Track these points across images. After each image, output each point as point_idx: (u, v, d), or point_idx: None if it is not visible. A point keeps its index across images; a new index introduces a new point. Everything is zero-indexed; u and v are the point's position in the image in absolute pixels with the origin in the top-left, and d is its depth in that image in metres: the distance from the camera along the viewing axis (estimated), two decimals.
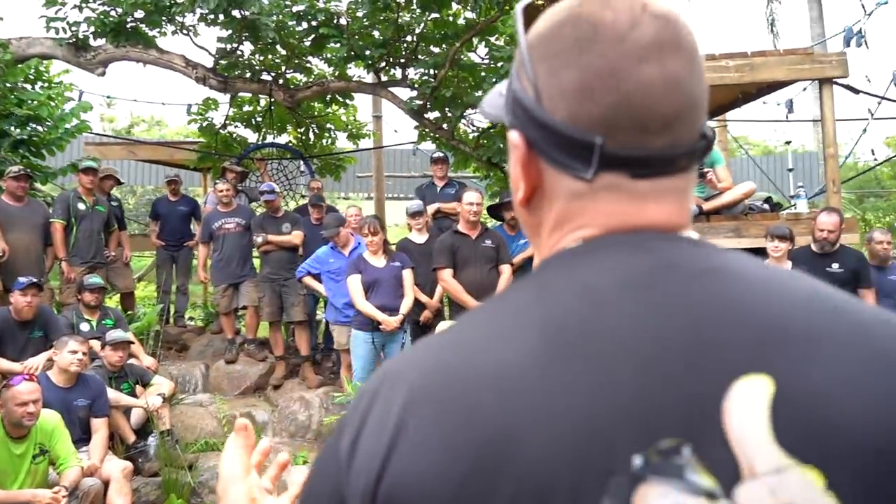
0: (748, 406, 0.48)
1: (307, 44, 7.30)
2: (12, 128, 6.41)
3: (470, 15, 7.04)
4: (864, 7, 6.93)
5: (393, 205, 12.35)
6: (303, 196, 8.41)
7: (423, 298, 5.56)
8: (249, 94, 8.03)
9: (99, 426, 4.36)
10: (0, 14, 8.32)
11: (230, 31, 7.01)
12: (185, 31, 7.19)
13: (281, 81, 7.54)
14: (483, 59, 7.13)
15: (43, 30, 6.77)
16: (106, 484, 4.05)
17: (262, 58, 7.59)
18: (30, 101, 6.54)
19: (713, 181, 5.50)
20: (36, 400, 3.74)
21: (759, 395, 0.49)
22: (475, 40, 6.93)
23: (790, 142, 13.58)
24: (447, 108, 6.97)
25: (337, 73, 7.62)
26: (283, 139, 8.70)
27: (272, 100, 7.65)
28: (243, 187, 7.46)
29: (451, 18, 7.00)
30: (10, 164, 6.04)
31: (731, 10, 60.07)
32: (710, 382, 0.49)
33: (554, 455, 0.48)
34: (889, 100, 6.88)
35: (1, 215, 5.63)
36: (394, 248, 5.60)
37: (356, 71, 7.90)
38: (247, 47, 7.38)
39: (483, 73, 6.81)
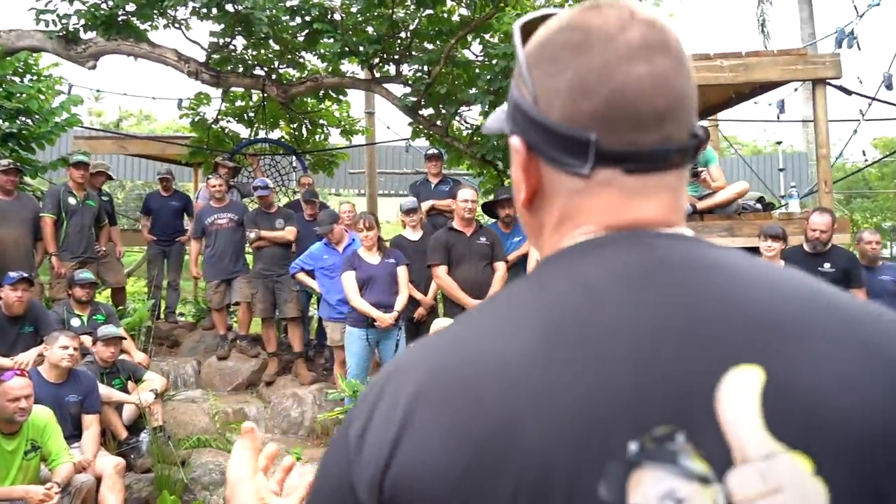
0: (740, 395, 0.50)
1: (301, 39, 7.26)
2: (1, 121, 6.33)
3: (464, 12, 7.03)
4: (856, 8, 6.99)
5: (385, 201, 12.33)
6: (294, 192, 8.37)
7: (418, 295, 5.55)
8: (242, 89, 7.97)
9: (91, 422, 4.32)
10: None
11: (223, 26, 6.96)
12: (177, 25, 7.13)
13: (274, 77, 7.50)
14: (477, 56, 7.12)
15: (33, 22, 6.69)
16: (98, 480, 4.02)
17: (255, 53, 7.54)
18: (19, 94, 6.46)
19: (707, 180, 5.53)
20: (28, 395, 3.70)
21: (751, 385, 0.51)
22: (469, 37, 6.92)
23: (781, 142, 13.68)
24: (441, 105, 6.96)
25: (330, 68, 7.58)
26: (275, 135, 8.66)
27: (265, 95, 7.60)
28: (235, 183, 7.42)
29: (445, 15, 6.98)
30: None
31: (721, 11, 60.41)
32: (703, 373, 0.51)
33: (553, 444, 0.50)
34: (881, 101, 6.94)
35: None
36: (388, 244, 5.59)
37: (349, 67, 7.87)
38: (240, 42, 7.33)
39: (477, 70, 6.80)
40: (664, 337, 0.53)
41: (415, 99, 6.90)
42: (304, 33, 7.10)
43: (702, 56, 5.59)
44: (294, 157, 8.45)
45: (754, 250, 4.78)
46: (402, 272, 5.28)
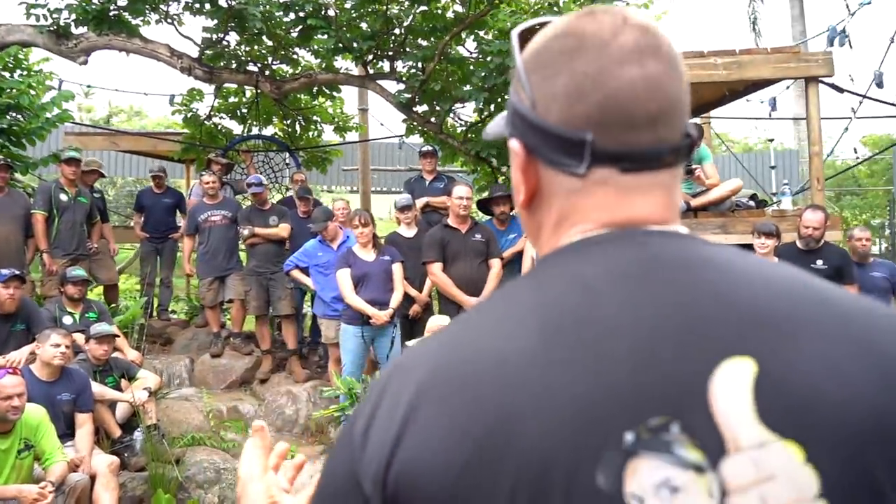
0: (733, 386, 0.52)
1: (294, 35, 7.22)
2: None
3: (459, 8, 7.01)
4: (847, 7, 7.03)
5: (378, 198, 12.30)
6: (287, 189, 8.33)
7: (413, 292, 5.55)
8: (235, 85, 7.92)
9: (84, 421, 4.29)
10: None
11: (216, 21, 6.91)
12: (169, 20, 7.07)
13: (267, 73, 7.45)
14: (472, 53, 7.10)
15: (23, 17, 6.62)
16: (92, 479, 3.99)
17: (248, 48, 7.49)
18: (9, 90, 6.40)
19: (701, 178, 5.55)
20: (20, 394, 3.67)
21: (743, 376, 0.52)
22: (464, 34, 6.90)
23: (773, 139, 13.76)
24: (435, 102, 6.93)
25: (324, 65, 7.55)
26: (268, 131, 8.61)
27: (258, 91, 7.56)
28: (228, 179, 7.38)
29: (440, 11, 6.96)
30: None
31: (713, 9, 60.59)
32: (697, 365, 0.53)
33: (552, 436, 0.52)
34: (872, 99, 6.99)
35: None
36: (382, 241, 5.58)
37: (343, 63, 7.84)
38: (233, 38, 7.28)
39: (472, 67, 6.78)
40: (658, 328, 0.54)
41: (409, 96, 6.88)
42: (297, 29, 7.06)
43: (696, 54, 5.60)
44: (287, 154, 8.41)
45: (748, 247, 4.80)
46: (398, 269, 5.27)
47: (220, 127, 8.37)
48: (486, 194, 6.59)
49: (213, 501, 4.62)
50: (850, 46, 6.69)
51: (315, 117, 8.60)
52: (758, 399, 0.52)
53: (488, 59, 6.19)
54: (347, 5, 6.86)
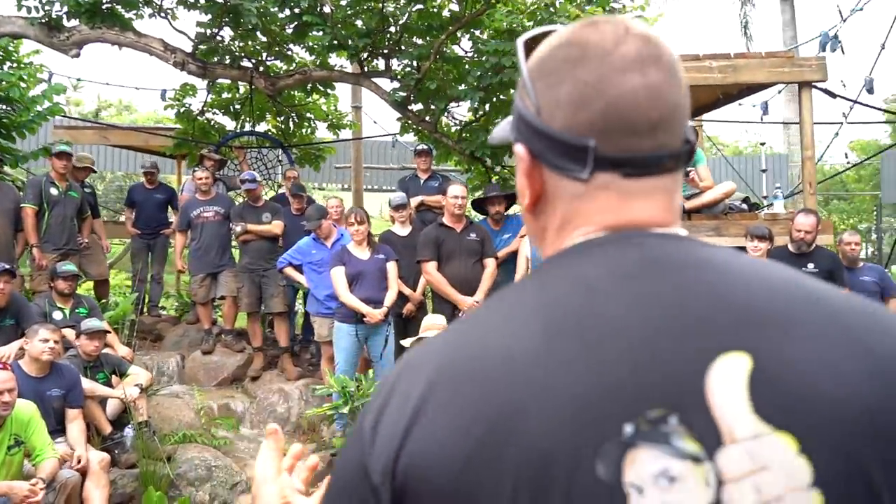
0: (729, 380, 0.54)
1: (289, 31, 7.19)
2: None
3: (455, 7, 7.00)
4: (840, 12, 7.09)
5: (370, 196, 12.27)
6: (279, 185, 8.30)
7: (407, 291, 5.54)
8: (229, 81, 7.88)
9: (74, 416, 4.25)
10: None
11: (210, 16, 6.87)
12: (163, 14, 7.02)
13: (262, 69, 7.41)
14: (467, 52, 7.10)
15: (14, 8, 6.54)
16: (83, 475, 3.95)
17: (242, 44, 7.45)
18: (0, 82, 6.33)
19: (695, 180, 5.58)
20: (10, 389, 3.63)
21: (739, 371, 0.54)
22: (460, 33, 6.89)
23: (764, 143, 13.88)
24: (430, 101, 6.92)
25: (319, 62, 7.52)
26: (262, 127, 8.57)
27: (252, 87, 7.52)
28: (221, 175, 7.33)
29: (435, 10, 6.95)
30: None
31: (704, 13, 60.95)
32: (694, 359, 0.55)
33: (554, 428, 0.54)
34: (863, 105, 7.06)
35: None
36: (376, 240, 5.56)
37: (338, 60, 7.81)
38: (227, 33, 7.23)
39: (467, 67, 6.78)
40: (656, 325, 0.56)
41: (404, 94, 6.87)
42: (292, 25, 7.03)
43: (691, 57, 5.63)
44: (280, 151, 8.37)
45: (741, 250, 4.83)
46: (392, 268, 5.26)
47: (213, 122, 8.32)
48: (479, 194, 6.60)
49: (203, 499, 4.59)
50: (843, 52, 6.75)
51: (308, 114, 8.57)
52: (753, 393, 0.54)
53: (484, 58, 6.19)
54: (343, 2, 6.84)
